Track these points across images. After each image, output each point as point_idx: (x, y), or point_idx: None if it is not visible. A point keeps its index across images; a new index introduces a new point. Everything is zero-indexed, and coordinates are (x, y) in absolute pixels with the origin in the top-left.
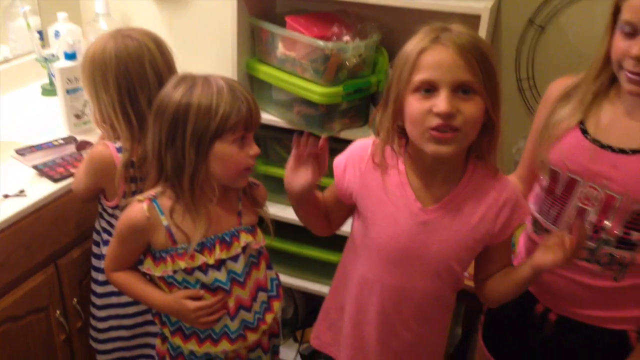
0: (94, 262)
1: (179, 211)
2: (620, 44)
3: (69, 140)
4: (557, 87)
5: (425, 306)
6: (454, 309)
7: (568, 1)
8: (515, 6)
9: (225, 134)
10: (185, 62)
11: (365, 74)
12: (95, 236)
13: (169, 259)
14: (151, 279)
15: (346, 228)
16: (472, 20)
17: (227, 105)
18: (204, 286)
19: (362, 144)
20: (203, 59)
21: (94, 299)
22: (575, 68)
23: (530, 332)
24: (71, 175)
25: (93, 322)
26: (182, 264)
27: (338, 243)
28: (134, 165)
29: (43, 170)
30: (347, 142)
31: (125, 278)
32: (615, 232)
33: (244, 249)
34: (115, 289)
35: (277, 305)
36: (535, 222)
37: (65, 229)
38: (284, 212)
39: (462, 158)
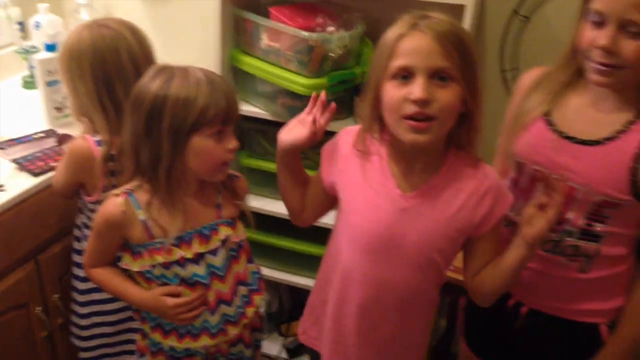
0: (75, 257)
1: (156, 205)
2: (588, 33)
3: (49, 133)
4: (528, 77)
5: (407, 300)
6: (437, 305)
7: None
8: None
9: (202, 128)
10: (169, 53)
11: (350, 65)
12: (76, 232)
13: (146, 253)
14: (130, 276)
15: (330, 220)
16: (456, 10)
17: (205, 98)
18: (182, 281)
19: (348, 131)
20: (187, 50)
21: (75, 295)
22: None
23: (504, 326)
24: (52, 169)
25: (75, 319)
26: (160, 259)
27: (322, 236)
28: (113, 158)
29: (23, 164)
30: (331, 134)
31: (104, 274)
32: (578, 223)
33: (224, 242)
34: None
35: (257, 298)
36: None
37: (45, 224)
38: (269, 205)
39: (441, 147)
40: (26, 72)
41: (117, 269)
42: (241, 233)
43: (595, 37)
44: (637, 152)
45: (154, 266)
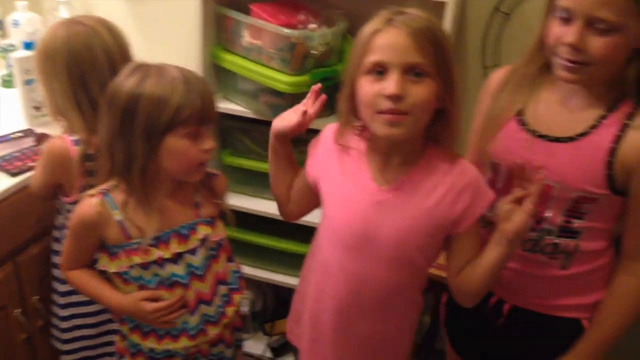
0: (55, 259)
1: (132, 205)
2: (555, 29)
3: (27, 133)
4: (496, 77)
5: (386, 299)
6: (421, 308)
7: None
8: None
9: (177, 128)
10: (150, 51)
11: (332, 63)
12: (55, 232)
13: (123, 254)
14: (108, 278)
15: (314, 219)
16: (438, 7)
17: (180, 97)
18: (160, 283)
19: (332, 127)
20: (168, 48)
21: (55, 297)
22: None
23: (486, 324)
24: (30, 169)
25: (56, 322)
26: (138, 259)
27: (306, 234)
28: (91, 158)
29: (0, 165)
30: (315, 132)
31: (81, 277)
32: (556, 221)
33: (203, 241)
34: None
35: (237, 298)
36: (482, 216)
37: (24, 225)
38: (252, 203)
39: (419, 142)
40: (4, 71)
41: (94, 271)
42: (221, 232)
43: (562, 33)
44: (611, 146)
45: (131, 267)
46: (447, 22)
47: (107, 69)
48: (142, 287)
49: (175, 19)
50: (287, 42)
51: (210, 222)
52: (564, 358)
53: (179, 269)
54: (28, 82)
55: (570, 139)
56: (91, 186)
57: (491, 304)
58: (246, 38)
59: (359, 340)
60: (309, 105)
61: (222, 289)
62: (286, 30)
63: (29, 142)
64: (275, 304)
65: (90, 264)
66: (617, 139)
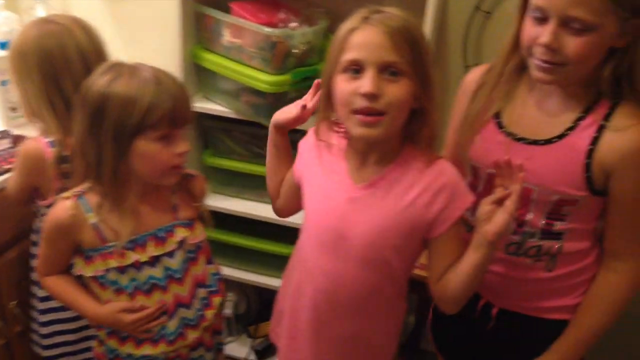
0: (33, 263)
1: (107, 208)
2: (530, 30)
3: (4, 134)
4: (472, 77)
5: (362, 300)
6: (404, 312)
7: None
8: None
9: (147, 131)
10: (129, 50)
11: (314, 62)
12: (33, 236)
13: (99, 258)
14: (85, 284)
15: (297, 220)
16: (418, 6)
17: (150, 99)
18: (138, 288)
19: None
20: (147, 47)
21: (35, 302)
22: None
23: (475, 329)
24: (6, 171)
25: (36, 327)
26: (114, 263)
27: (289, 235)
28: (67, 159)
29: None
30: (297, 132)
31: (59, 283)
32: (537, 224)
33: (181, 244)
34: None
35: (217, 300)
36: (466, 220)
37: (1, 228)
38: (235, 204)
39: (396, 141)
40: None
41: (71, 277)
42: (199, 234)
43: (537, 34)
44: (589, 148)
45: (107, 271)
46: (428, 21)
47: (81, 69)
48: (119, 292)
49: (154, 18)
50: (267, 41)
51: (188, 225)
52: (541, 357)
53: (156, 272)
54: (4, 83)
55: (549, 142)
56: (68, 189)
57: (479, 308)
58: (226, 37)
59: (336, 341)
60: (308, 99)
61: (202, 292)
62: (267, 29)
63: (5, 144)
64: (259, 306)
65: (67, 270)
66: (594, 141)
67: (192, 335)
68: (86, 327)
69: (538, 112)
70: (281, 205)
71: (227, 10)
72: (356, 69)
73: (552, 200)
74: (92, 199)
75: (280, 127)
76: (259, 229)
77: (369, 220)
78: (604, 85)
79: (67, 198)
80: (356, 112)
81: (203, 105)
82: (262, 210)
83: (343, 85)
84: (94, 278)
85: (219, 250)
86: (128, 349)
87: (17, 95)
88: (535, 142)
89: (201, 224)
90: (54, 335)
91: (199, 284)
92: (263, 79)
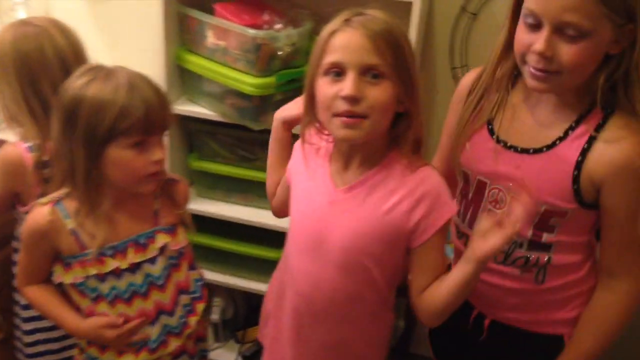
0: (15, 270)
1: (84, 214)
2: (524, 36)
3: None
4: (466, 81)
5: (340, 307)
6: (390, 323)
7: None
8: None
9: (119, 137)
10: (111, 52)
11: (299, 64)
12: (14, 243)
13: (77, 265)
14: (65, 292)
15: (284, 224)
16: (404, 8)
17: (121, 105)
18: (118, 296)
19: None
20: (129, 50)
21: (18, 310)
22: None
23: (468, 339)
24: None
25: (19, 335)
26: (93, 270)
27: (276, 240)
28: (47, 164)
29: None
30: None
31: (40, 295)
32: (525, 234)
33: (162, 250)
34: None
35: (200, 307)
36: (457, 226)
37: None
38: (221, 208)
39: (380, 145)
40: None
41: (52, 288)
42: (182, 240)
43: (530, 40)
44: (578, 159)
45: (87, 278)
46: (414, 22)
47: (59, 71)
48: (98, 300)
49: (137, 20)
50: (252, 42)
51: (170, 230)
52: None
53: (137, 279)
54: None
55: (538, 151)
56: (49, 194)
57: (471, 319)
58: (210, 39)
59: (318, 348)
60: None
61: (184, 299)
62: (251, 31)
63: None
64: (246, 311)
65: (48, 279)
66: (584, 152)
67: (174, 343)
68: (70, 336)
69: (531, 120)
70: (277, 204)
71: (211, 11)
72: (337, 71)
73: (539, 210)
74: (70, 204)
75: (285, 123)
76: (245, 232)
77: (345, 225)
78: (599, 93)
79: (45, 204)
80: (338, 115)
81: (187, 108)
82: (248, 214)
83: (325, 88)
84: (74, 285)
85: (205, 255)
86: (109, 357)
87: None
88: (525, 151)
89: (183, 230)
90: (37, 344)
91: (182, 290)
92: (248, 82)
